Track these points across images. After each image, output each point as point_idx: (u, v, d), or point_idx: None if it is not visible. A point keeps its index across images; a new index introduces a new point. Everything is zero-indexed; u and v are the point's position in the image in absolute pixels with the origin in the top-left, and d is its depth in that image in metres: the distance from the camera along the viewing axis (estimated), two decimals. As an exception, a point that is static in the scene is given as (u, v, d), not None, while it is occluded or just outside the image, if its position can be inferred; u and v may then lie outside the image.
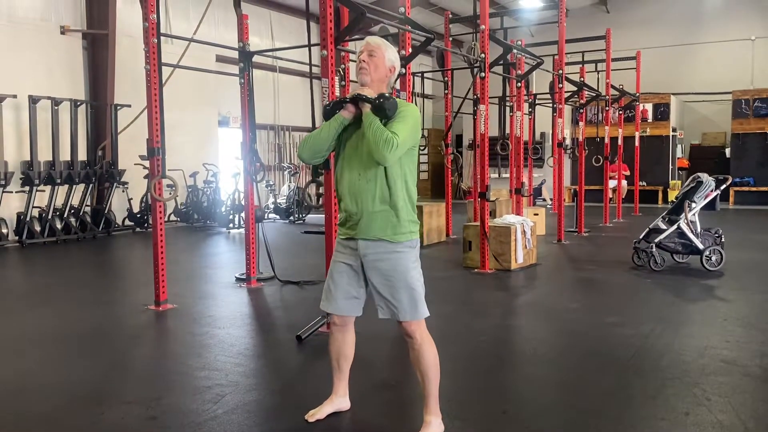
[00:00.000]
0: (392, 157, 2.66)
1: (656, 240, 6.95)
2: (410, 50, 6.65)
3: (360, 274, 2.87)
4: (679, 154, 17.18)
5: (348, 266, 2.87)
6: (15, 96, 9.33)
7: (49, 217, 9.60)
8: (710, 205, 7.16)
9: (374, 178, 2.76)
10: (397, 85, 7.22)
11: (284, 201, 12.98)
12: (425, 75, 12.00)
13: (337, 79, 4.60)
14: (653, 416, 3.09)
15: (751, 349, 4.15)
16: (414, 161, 2.85)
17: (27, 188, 9.46)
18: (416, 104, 9.97)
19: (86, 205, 10.32)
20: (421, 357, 2.80)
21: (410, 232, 2.82)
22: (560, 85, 9.83)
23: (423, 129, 13.20)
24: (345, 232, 2.88)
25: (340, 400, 3.13)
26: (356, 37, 6.26)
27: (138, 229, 11.12)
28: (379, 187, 2.76)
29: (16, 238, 9.38)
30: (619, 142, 13.22)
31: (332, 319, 3.00)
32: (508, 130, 10.21)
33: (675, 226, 6.93)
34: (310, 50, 5.22)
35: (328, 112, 2.87)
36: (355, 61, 2.94)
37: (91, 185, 10.35)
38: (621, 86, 12.69)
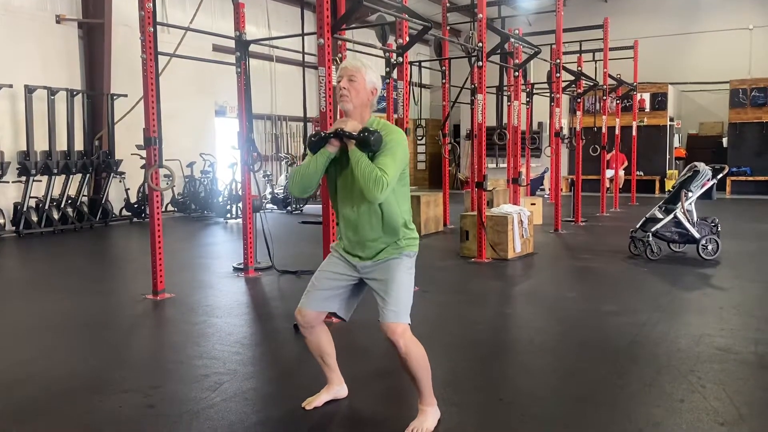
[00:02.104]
0: (383, 196, 2.64)
1: (653, 229, 6.97)
2: (407, 39, 6.63)
3: (352, 281, 2.88)
4: (676, 143, 17.18)
5: (339, 274, 2.88)
6: (11, 86, 9.29)
7: (46, 207, 9.59)
8: (707, 195, 7.16)
9: (368, 210, 2.75)
10: (395, 74, 7.22)
11: (281, 191, 12.97)
12: (422, 64, 11.98)
13: (333, 68, 4.59)
14: (649, 403, 3.11)
15: (746, 336, 4.18)
16: (405, 182, 2.84)
17: (24, 178, 9.44)
18: (413, 94, 9.98)
19: (83, 195, 10.30)
20: (409, 361, 2.78)
21: (409, 246, 2.83)
22: (558, 75, 9.81)
23: (421, 119, 13.30)
24: (346, 253, 2.87)
25: (336, 388, 3.15)
26: (353, 25, 6.24)
27: (135, 219, 11.11)
28: (375, 217, 2.76)
29: (13, 228, 9.36)
30: (617, 131, 13.21)
31: (296, 318, 2.96)
32: (505, 120, 10.20)
33: (671, 216, 6.95)
34: (303, 39, 5.20)
35: (313, 145, 2.79)
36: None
37: (88, 175, 10.32)
38: (618, 75, 12.66)
